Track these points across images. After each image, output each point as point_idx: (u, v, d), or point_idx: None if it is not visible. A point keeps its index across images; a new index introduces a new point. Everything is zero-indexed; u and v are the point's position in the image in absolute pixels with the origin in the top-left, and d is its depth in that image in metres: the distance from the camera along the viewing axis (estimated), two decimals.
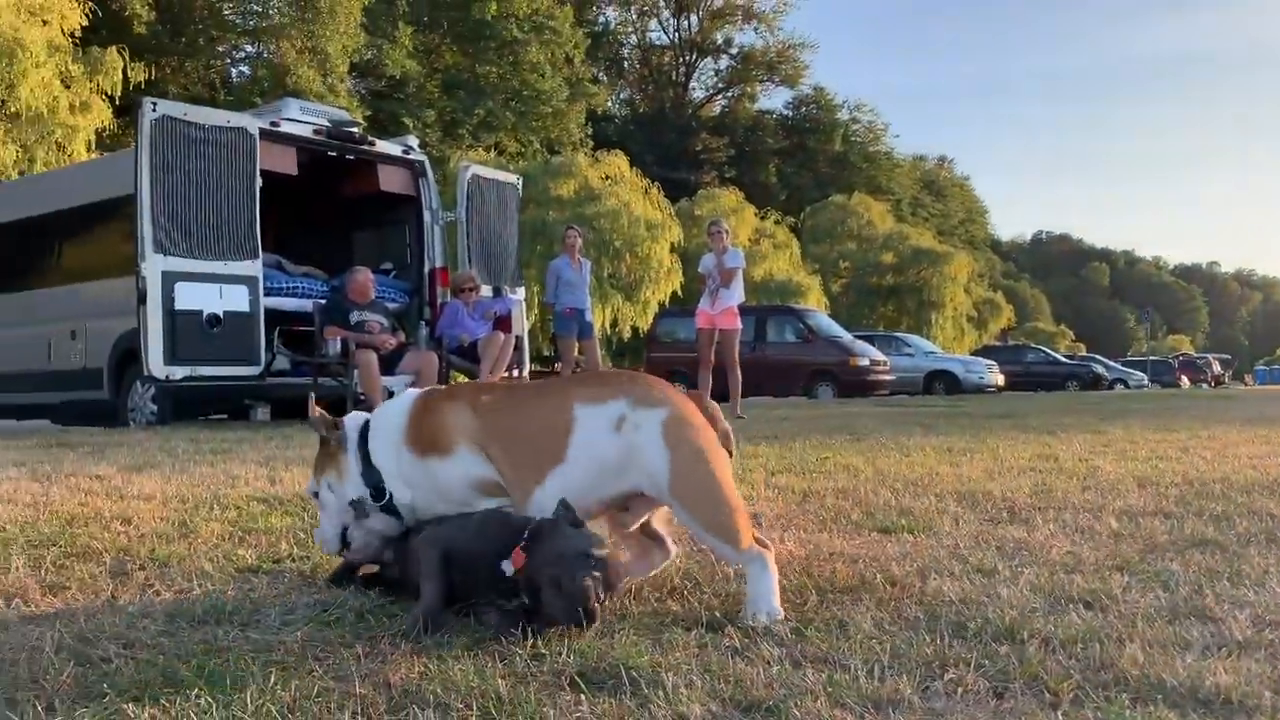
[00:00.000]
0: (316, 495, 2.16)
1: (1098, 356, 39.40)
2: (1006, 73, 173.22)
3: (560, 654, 1.63)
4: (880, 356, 20.05)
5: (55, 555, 2.36)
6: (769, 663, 1.60)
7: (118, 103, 23.49)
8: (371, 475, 2.10)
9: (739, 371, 10.14)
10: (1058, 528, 2.90)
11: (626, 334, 32.41)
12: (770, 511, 3.23)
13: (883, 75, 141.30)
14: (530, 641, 1.68)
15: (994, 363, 24.14)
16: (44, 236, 10.13)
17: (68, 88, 22.81)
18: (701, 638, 1.76)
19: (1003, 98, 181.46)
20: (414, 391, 2.23)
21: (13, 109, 22.15)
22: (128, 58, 23.91)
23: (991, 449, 5.62)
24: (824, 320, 21.42)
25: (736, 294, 10.09)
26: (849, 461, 4.97)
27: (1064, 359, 33.80)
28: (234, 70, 39.59)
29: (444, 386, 2.35)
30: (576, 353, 10.68)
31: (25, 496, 3.37)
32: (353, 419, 2.20)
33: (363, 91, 40.07)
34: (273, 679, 1.44)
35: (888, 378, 19.76)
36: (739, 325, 10.26)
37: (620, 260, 31.54)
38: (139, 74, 24.02)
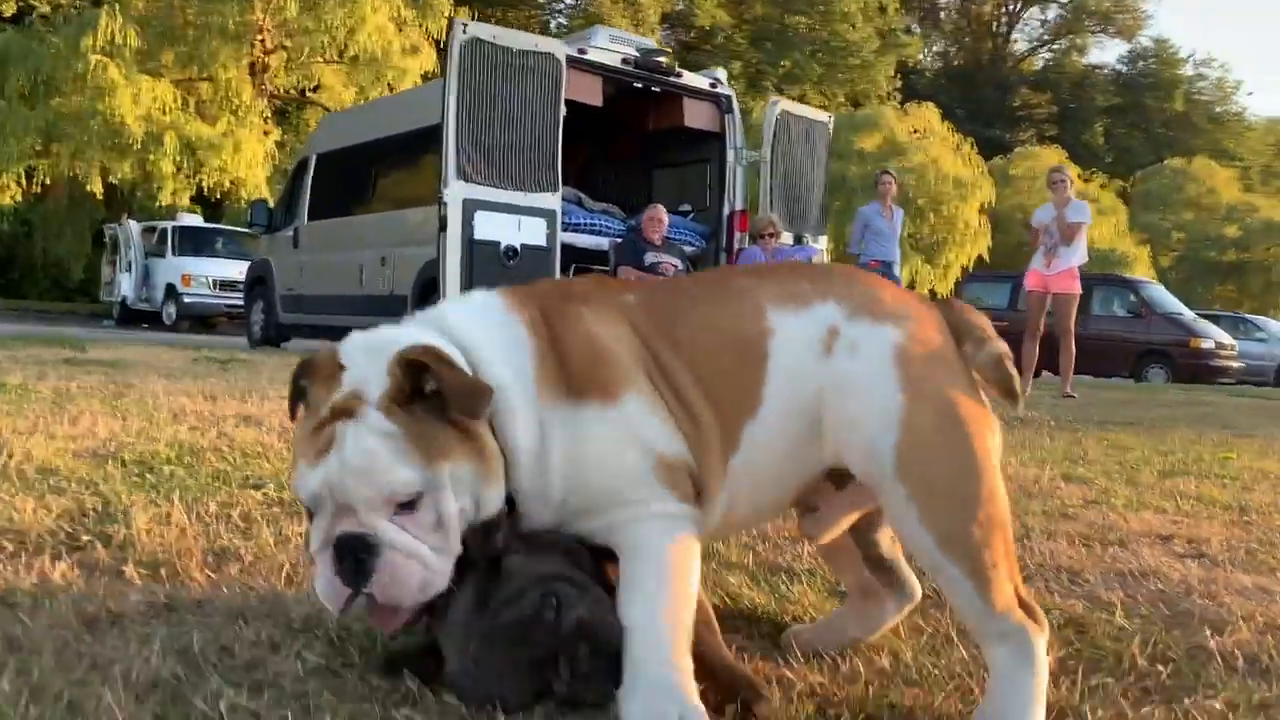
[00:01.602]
0: (411, 504, 1.15)
1: None
2: None
3: None
4: (1228, 339, 17.45)
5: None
6: None
7: (443, 47, 24.59)
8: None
9: (1073, 344, 8.79)
10: None
11: None
12: (1218, 538, 2.24)
13: (1238, 25, 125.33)
14: None
15: None
16: (361, 165, 10.38)
17: (400, 31, 24.10)
18: None
19: None
20: (495, 296, 1.32)
21: (352, 52, 23.70)
22: (453, 3, 24.89)
23: None
24: (1160, 293, 18.89)
25: (1078, 253, 8.71)
26: (1262, 466, 3.79)
27: None
28: (553, 22, 40.81)
29: (550, 283, 1.38)
30: None
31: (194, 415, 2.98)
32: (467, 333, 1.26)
33: (672, 43, 40.10)
34: None
35: (1234, 364, 17.16)
36: (1078, 289, 8.85)
37: (924, 220, 29.71)
38: (465, 18, 24.91)
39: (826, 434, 1.24)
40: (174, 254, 20.52)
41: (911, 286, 29.90)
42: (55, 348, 5.75)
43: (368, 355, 1.19)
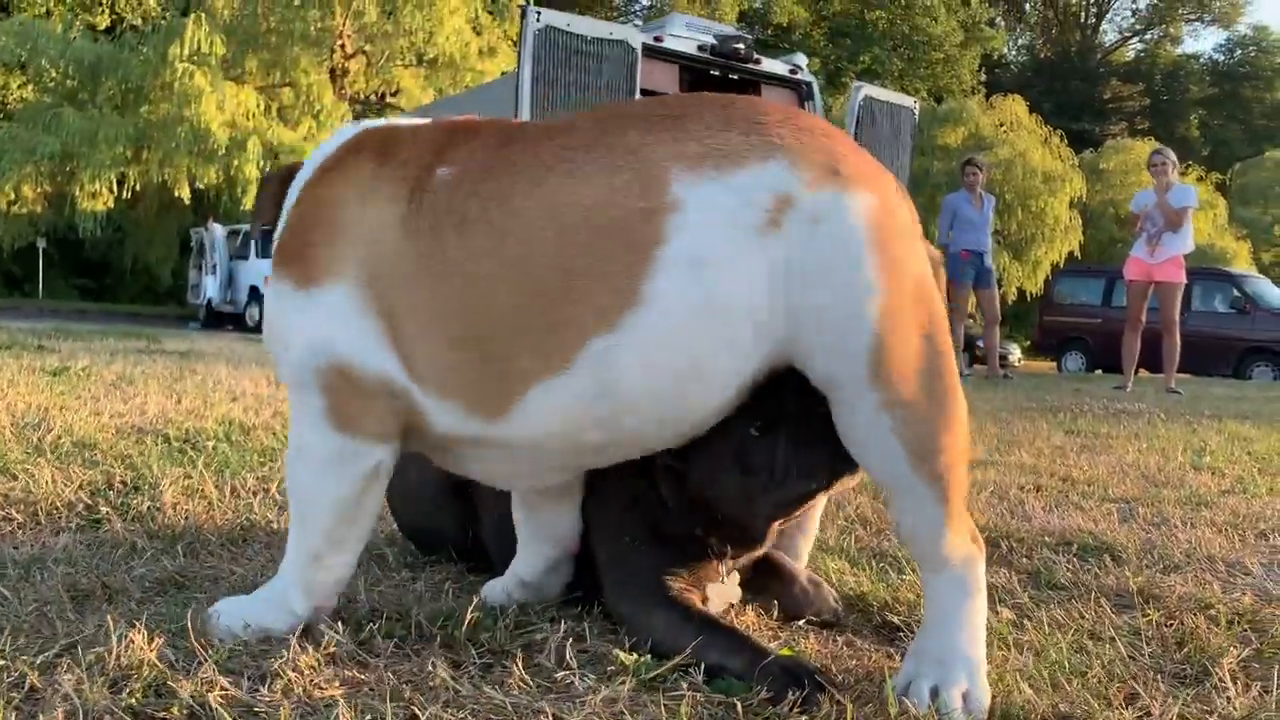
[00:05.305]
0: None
1: None
2: None
3: None
4: None
5: None
6: None
7: (516, 37, 24.67)
8: None
9: (1177, 337, 8.31)
10: None
11: (1012, 296, 29.75)
12: None
13: None
14: None
15: None
16: None
17: (478, 34, 24.26)
18: None
19: None
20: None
21: (430, 55, 23.88)
22: (530, 4, 24.97)
23: None
24: (1266, 287, 17.99)
25: (1183, 241, 8.23)
26: None
27: None
28: (630, 23, 40.85)
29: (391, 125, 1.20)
30: (972, 303, 9.30)
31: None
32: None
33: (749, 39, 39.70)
34: None
35: None
36: (1183, 279, 8.35)
37: (1012, 215, 28.87)
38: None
39: (774, 330, 0.99)
40: (257, 256, 20.88)
41: (999, 285, 29.09)
42: (132, 340, 5.75)
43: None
